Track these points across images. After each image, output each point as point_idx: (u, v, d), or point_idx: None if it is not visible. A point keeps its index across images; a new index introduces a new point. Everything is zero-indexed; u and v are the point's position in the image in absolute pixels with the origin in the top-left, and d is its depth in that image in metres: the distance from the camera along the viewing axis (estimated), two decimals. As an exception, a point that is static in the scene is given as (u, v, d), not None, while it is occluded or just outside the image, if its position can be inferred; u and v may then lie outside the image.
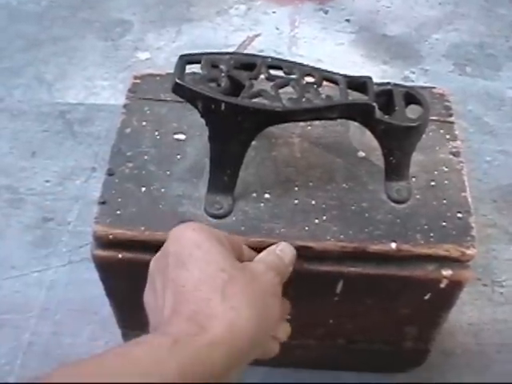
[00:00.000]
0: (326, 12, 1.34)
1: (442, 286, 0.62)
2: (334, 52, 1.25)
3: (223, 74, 0.57)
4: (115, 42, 1.26)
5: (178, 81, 0.56)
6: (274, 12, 1.34)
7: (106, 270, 0.63)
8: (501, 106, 1.17)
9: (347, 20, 1.33)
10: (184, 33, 1.29)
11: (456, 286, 0.62)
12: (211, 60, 0.59)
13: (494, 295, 0.91)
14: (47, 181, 1.02)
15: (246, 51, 1.21)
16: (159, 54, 1.24)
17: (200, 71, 0.58)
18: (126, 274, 0.63)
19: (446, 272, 0.61)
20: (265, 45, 1.26)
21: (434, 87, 0.74)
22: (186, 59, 0.58)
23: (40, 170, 1.04)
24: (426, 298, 0.64)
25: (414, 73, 1.22)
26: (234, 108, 0.56)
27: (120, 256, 0.61)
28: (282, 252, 0.54)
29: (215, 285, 0.43)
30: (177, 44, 1.26)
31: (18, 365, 0.83)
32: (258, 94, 0.57)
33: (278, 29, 1.30)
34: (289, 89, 0.58)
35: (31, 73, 1.20)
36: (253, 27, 1.30)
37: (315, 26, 1.31)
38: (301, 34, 1.29)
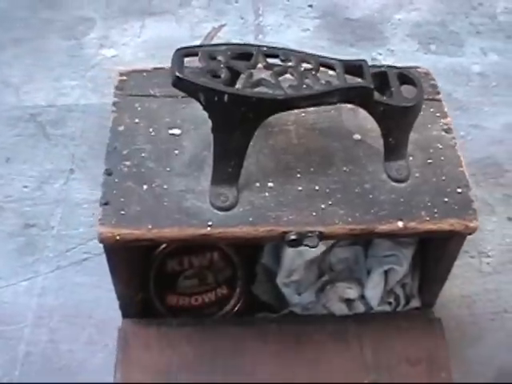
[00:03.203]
0: (288, -2, 1.35)
1: None
2: (300, 38, 1.26)
3: (222, 66, 0.57)
4: (79, 40, 1.23)
5: (178, 74, 0.55)
6: (236, 1, 1.33)
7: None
8: (468, 81, 1.19)
9: (310, 6, 1.33)
10: (148, 27, 1.27)
11: None
12: (209, 52, 0.58)
13: (481, 266, 0.93)
14: (25, 186, 1.00)
15: (212, 42, 1.20)
16: (125, 49, 1.22)
17: (188, 64, 0.57)
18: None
19: None
20: (231, 34, 1.26)
21: (418, 67, 0.75)
22: (183, 52, 0.57)
23: (16, 175, 1.01)
24: None
25: (381, 54, 1.23)
26: (237, 98, 0.55)
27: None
28: None
29: None
30: (142, 39, 1.25)
31: (16, 376, 0.81)
32: (259, 83, 0.57)
33: (242, 18, 1.30)
34: (286, 76, 0.58)
35: (-5, 77, 1.17)
36: (217, 18, 1.30)
37: (279, 13, 1.31)
38: (265, 22, 1.29)
